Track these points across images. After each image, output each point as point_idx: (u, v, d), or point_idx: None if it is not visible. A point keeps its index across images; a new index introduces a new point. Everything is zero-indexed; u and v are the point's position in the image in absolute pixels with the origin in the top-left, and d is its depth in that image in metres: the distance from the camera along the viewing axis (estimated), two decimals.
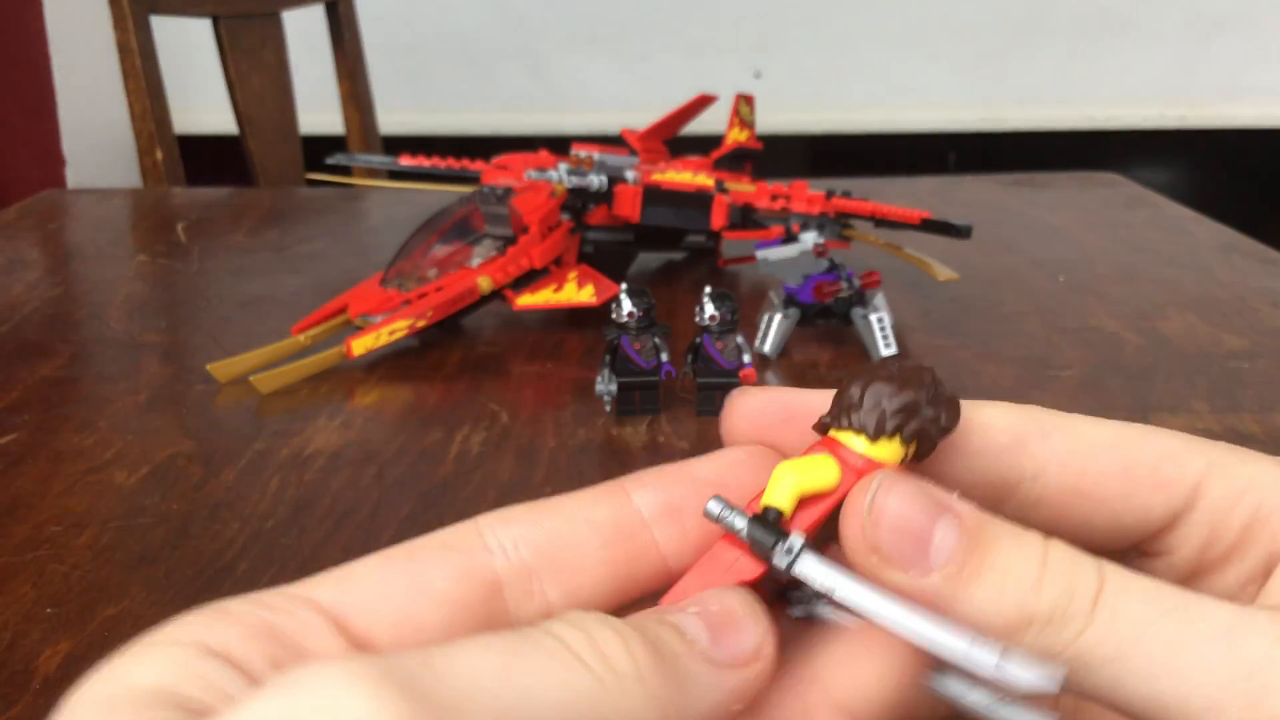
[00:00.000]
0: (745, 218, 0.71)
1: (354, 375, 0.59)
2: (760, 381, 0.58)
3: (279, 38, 1.34)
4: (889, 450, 0.21)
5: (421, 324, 0.60)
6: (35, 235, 0.89)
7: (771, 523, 0.20)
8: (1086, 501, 0.22)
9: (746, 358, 0.53)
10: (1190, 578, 0.22)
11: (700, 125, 0.78)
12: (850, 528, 0.20)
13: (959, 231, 0.67)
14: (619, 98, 2.01)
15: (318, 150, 1.02)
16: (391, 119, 1.56)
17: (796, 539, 0.20)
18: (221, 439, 0.52)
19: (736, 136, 0.76)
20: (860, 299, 0.62)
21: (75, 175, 1.58)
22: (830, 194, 0.71)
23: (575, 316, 0.67)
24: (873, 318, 0.60)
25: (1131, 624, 0.19)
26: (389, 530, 0.44)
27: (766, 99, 0.86)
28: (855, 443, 0.21)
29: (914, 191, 0.96)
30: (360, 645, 0.19)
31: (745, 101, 0.77)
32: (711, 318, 0.52)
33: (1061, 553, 0.20)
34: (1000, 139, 2.04)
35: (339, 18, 1.41)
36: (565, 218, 0.68)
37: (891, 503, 0.20)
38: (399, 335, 0.59)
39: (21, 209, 0.95)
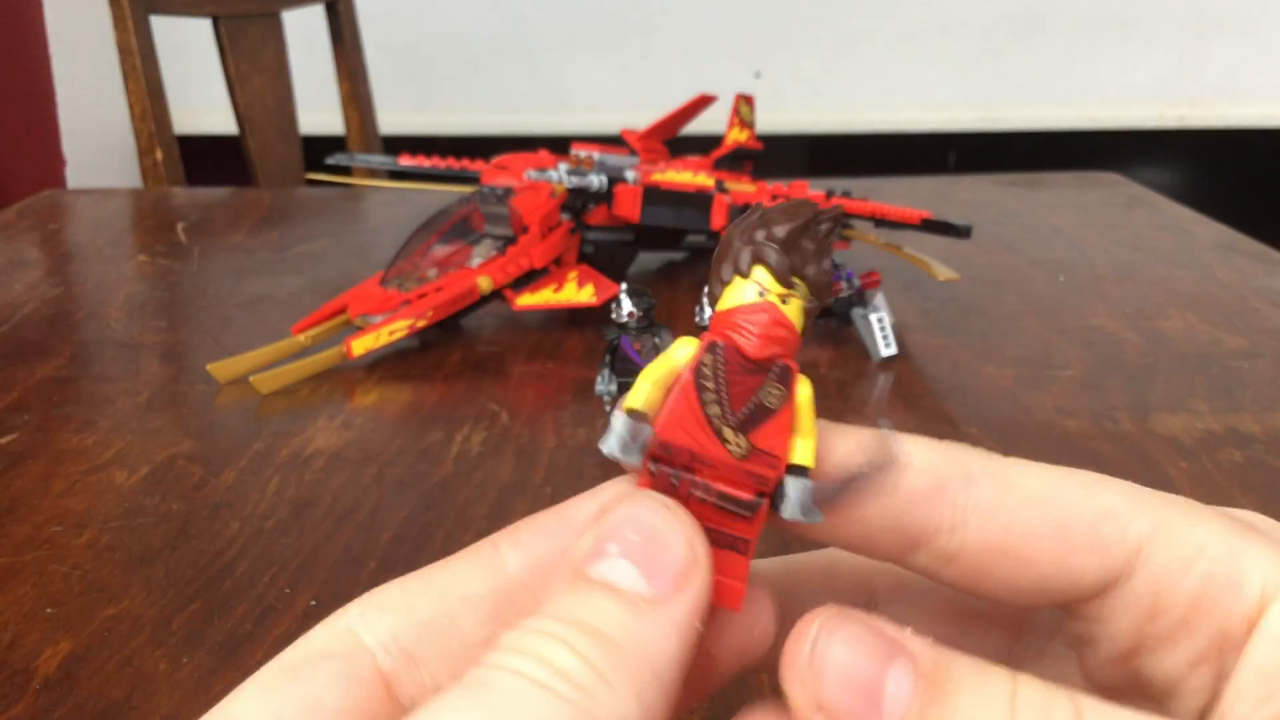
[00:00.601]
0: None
1: (354, 375, 0.59)
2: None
3: (279, 38, 1.34)
4: (772, 286, 0.19)
5: (421, 324, 0.60)
6: (35, 235, 0.89)
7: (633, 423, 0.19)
8: (1010, 561, 0.20)
9: None
10: (1131, 654, 0.20)
11: (700, 125, 0.78)
12: (790, 683, 0.18)
13: (959, 231, 0.67)
14: (619, 98, 2.01)
15: (318, 150, 1.02)
16: (391, 119, 1.56)
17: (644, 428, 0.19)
18: (221, 439, 0.52)
19: (736, 136, 0.76)
20: (860, 299, 0.62)
21: (75, 175, 1.58)
22: (830, 194, 0.71)
23: (575, 316, 0.67)
24: (873, 318, 0.60)
25: None
26: (389, 530, 0.44)
27: (766, 99, 0.86)
28: (739, 295, 0.20)
29: (914, 191, 0.96)
30: None
31: (745, 101, 0.77)
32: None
33: (1032, 692, 0.17)
34: (1000, 139, 2.04)
35: (339, 18, 1.41)
36: (565, 218, 0.68)
37: (835, 651, 0.17)
38: (399, 335, 0.59)
39: (21, 209, 0.95)
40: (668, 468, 0.19)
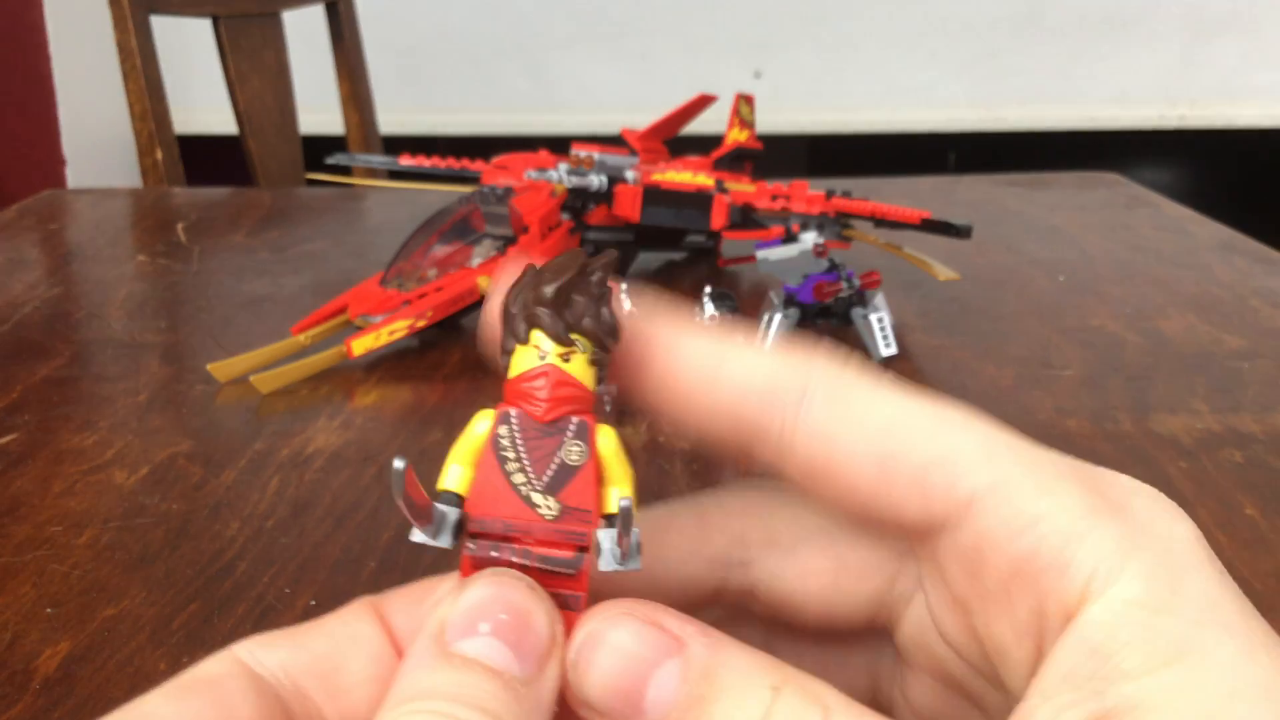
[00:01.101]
0: (745, 218, 0.71)
1: (354, 375, 0.59)
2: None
3: (279, 38, 1.34)
4: (551, 348, 0.20)
5: (421, 324, 0.60)
6: (35, 235, 0.89)
7: (445, 505, 0.20)
8: (832, 482, 0.20)
9: None
10: (963, 605, 0.20)
11: (700, 125, 0.78)
12: (566, 690, 0.19)
13: (959, 231, 0.67)
14: (619, 98, 2.01)
15: (318, 150, 1.02)
16: (391, 119, 1.56)
17: (451, 512, 0.19)
18: (221, 439, 0.52)
19: (736, 136, 0.76)
20: (860, 299, 0.62)
21: (75, 175, 1.58)
22: (830, 194, 0.71)
23: None
24: (873, 318, 0.60)
25: None
26: (389, 530, 0.44)
27: (766, 99, 0.86)
28: (523, 362, 0.20)
29: (914, 191, 0.96)
30: None
31: (745, 101, 0.77)
32: (711, 318, 0.52)
33: (791, 700, 0.17)
34: (1000, 139, 2.04)
35: (339, 18, 1.41)
36: (565, 218, 0.68)
37: (600, 657, 0.18)
38: (399, 335, 0.59)
39: (21, 209, 0.95)
40: (486, 541, 0.20)
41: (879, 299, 0.62)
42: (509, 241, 0.64)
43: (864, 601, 0.22)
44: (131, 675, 0.35)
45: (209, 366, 0.57)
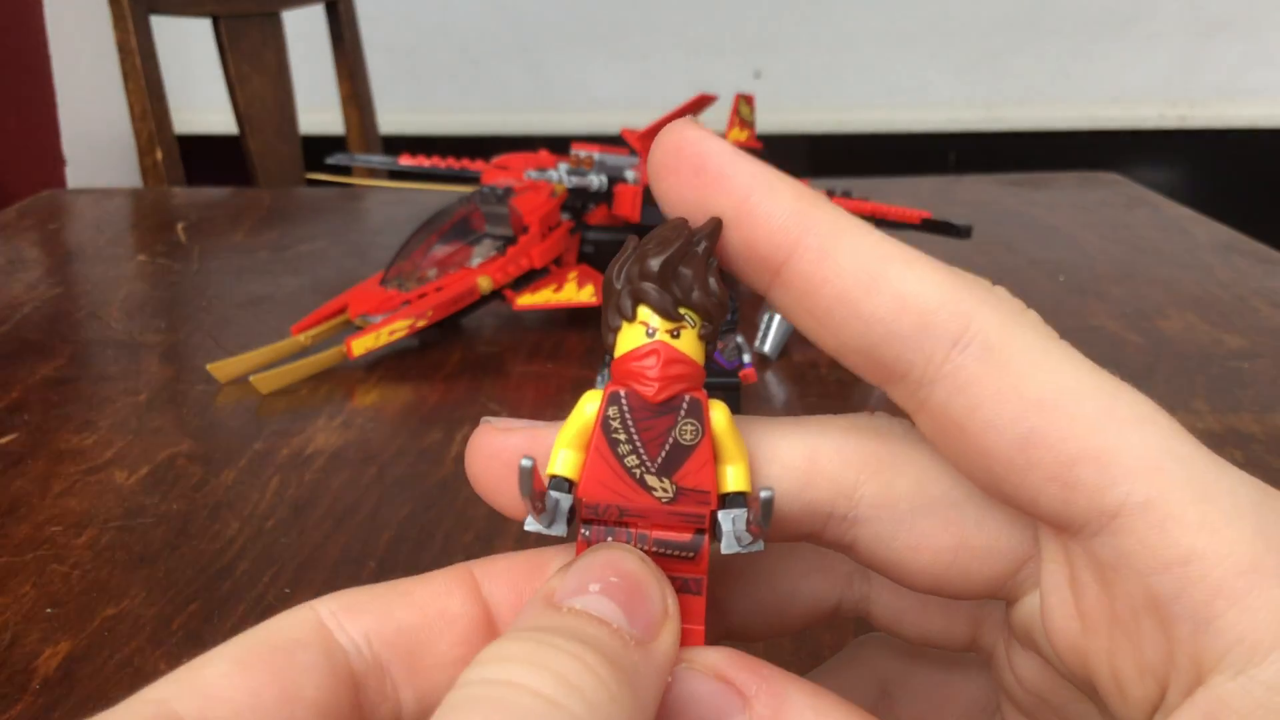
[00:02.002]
0: None
1: (354, 375, 0.59)
2: (760, 383, 0.58)
3: (279, 38, 1.34)
4: (659, 324, 0.19)
5: (421, 324, 0.60)
6: (35, 235, 0.89)
7: (556, 492, 0.19)
8: (965, 448, 0.17)
9: (746, 358, 0.53)
10: (1086, 620, 0.18)
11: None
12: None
13: (959, 231, 0.67)
14: (619, 98, 2.01)
15: (318, 150, 1.02)
16: (391, 119, 1.56)
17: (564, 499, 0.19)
18: (221, 439, 0.52)
19: (736, 136, 0.76)
20: None
21: (75, 175, 1.58)
22: (830, 194, 0.71)
23: (575, 316, 0.67)
24: None
25: None
26: (389, 530, 0.44)
27: (766, 99, 0.86)
28: (630, 340, 0.19)
29: (914, 191, 0.96)
30: None
31: (745, 101, 0.77)
32: None
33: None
34: (1000, 139, 2.04)
35: (339, 18, 1.41)
36: (565, 218, 0.68)
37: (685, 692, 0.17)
38: (399, 335, 0.59)
39: (21, 209, 0.95)
40: (600, 527, 0.19)
41: None
42: (509, 241, 0.64)
43: (981, 583, 0.19)
44: (131, 675, 0.35)
45: (209, 366, 0.57)
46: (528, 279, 0.64)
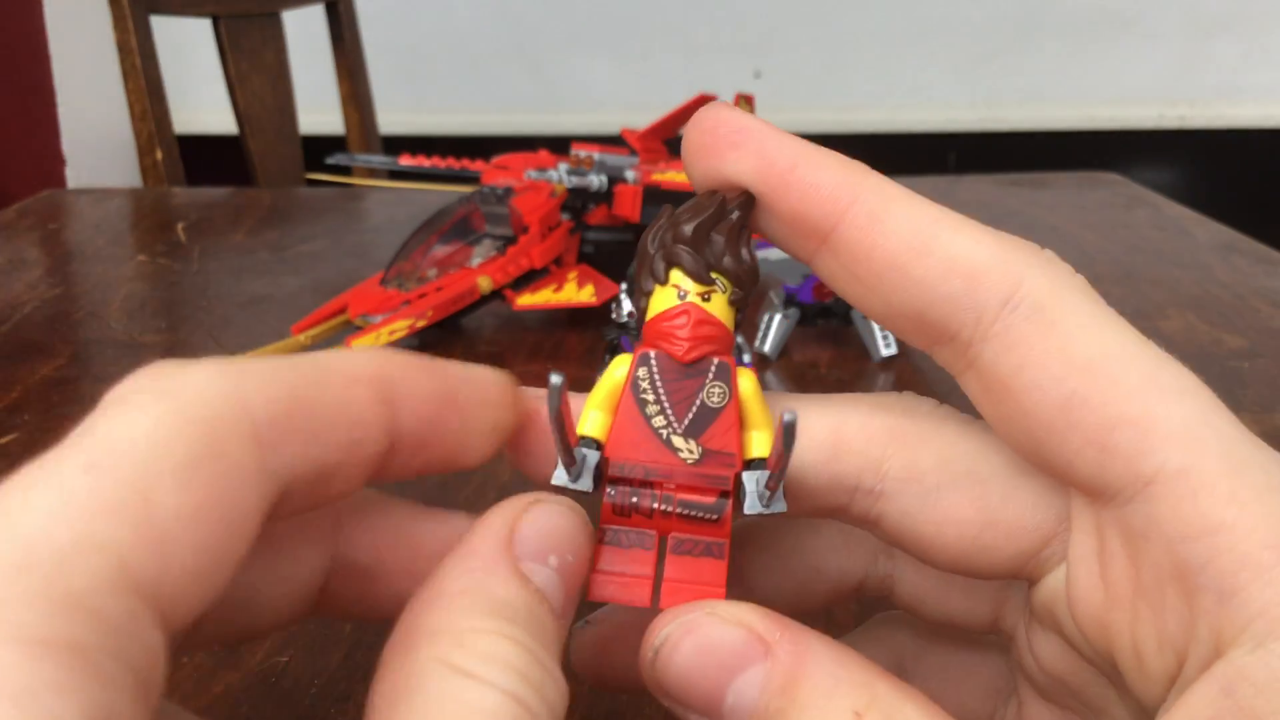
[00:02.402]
0: None
1: None
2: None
3: (279, 38, 1.34)
4: (691, 287, 0.19)
5: (421, 324, 0.60)
6: (35, 235, 0.89)
7: (584, 451, 0.19)
8: (1009, 409, 0.18)
9: (746, 357, 0.53)
10: (1112, 592, 0.18)
11: None
12: (641, 665, 0.18)
13: None
14: (619, 98, 2.01)
15: (318, 150, 1.02)
16: (391, 119, 1.56)
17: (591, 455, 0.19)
18: None
19: None
20: None
21: (75, 175, 1.58)
22: None
23: (575, 316, 0.67)
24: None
25: None
26: None
27: (766, 99, 0.86)
28: (662, 302, 0.19)
29: (914, 191, 0.96)
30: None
31: (745, 101, 0.77)
32: None
33: (885, 706, 0.16)
34: (1000, 139, 2.04)
35: (339, 18, 1.41)
36: (565, 218, 0.68)
37: (682, 654, 0.17)
38: (399, 335, 0.59)
39: (21, 209, 0.95)
40: (626, 487, 0.19)
41: None
42: (509, 241, 0.64)
43: (1005, 561, 0.19)
44: None
45: None
46: (528, 279, 0.64)
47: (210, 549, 0.15)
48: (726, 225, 0.19)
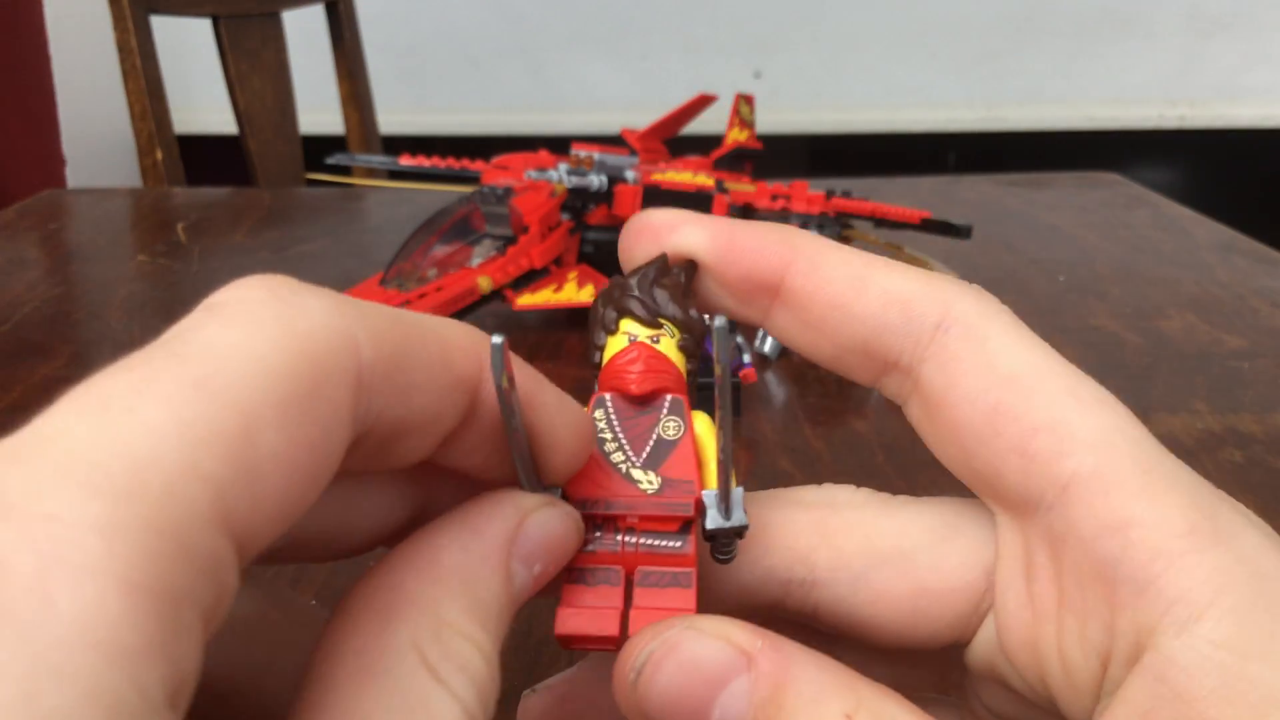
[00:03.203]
0: (745, 218, 0.71)
1: None
2: (760, 383, 0.58)
3: (279, 38, 1.34)
4: (640, 331, 0.20)
5: None
6: (35, 235, 0.89)
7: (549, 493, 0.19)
8: (943, 425, 0.19)
9: (746, 358, 0.53)
10: (1039, 610, 0.18)
11: (700, 125, 0.78)
12: (619, 696, 0.18)
13: (959, 231, 0.67)
14: (619, 98, 2.01)
15: (318, 150, 1.02)
16: (391, 119, 1.56)
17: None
18: None
19: (736, 136, 0.76)
20: None
21: (75, 175, 1.58)
22: (830, 194, 0.71)
23: (575, 316, 0.67)
24: None
25: None
26: None
27: (766, 99, 0.86)
28: (613, 349, 0.20)
29: (914, 191, 0.96)
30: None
31: (745, 101, 0.77)
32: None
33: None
34: (1000, 139, 2.04)
35: (339, 18, 1.41)
36: (565, 218, 0.68)
37: (664, 673, 0.17)
38: None
39: (21, 209, 0.95)
40: (589, 527, 0.19)
41: None
42: (509, 241, 0.64)
43: (943, 627, 0.20)
44: None
45: None
46: (528, 279, 0.64)
47: (293, 492, 0.14)
48: (671, 280, 0.20)
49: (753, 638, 0.17)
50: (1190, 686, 0.16)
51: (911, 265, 0.20)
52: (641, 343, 0.20)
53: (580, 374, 0.59)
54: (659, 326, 0.20)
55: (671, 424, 0.20)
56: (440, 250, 0.65)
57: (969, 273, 0.70)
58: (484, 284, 0.62)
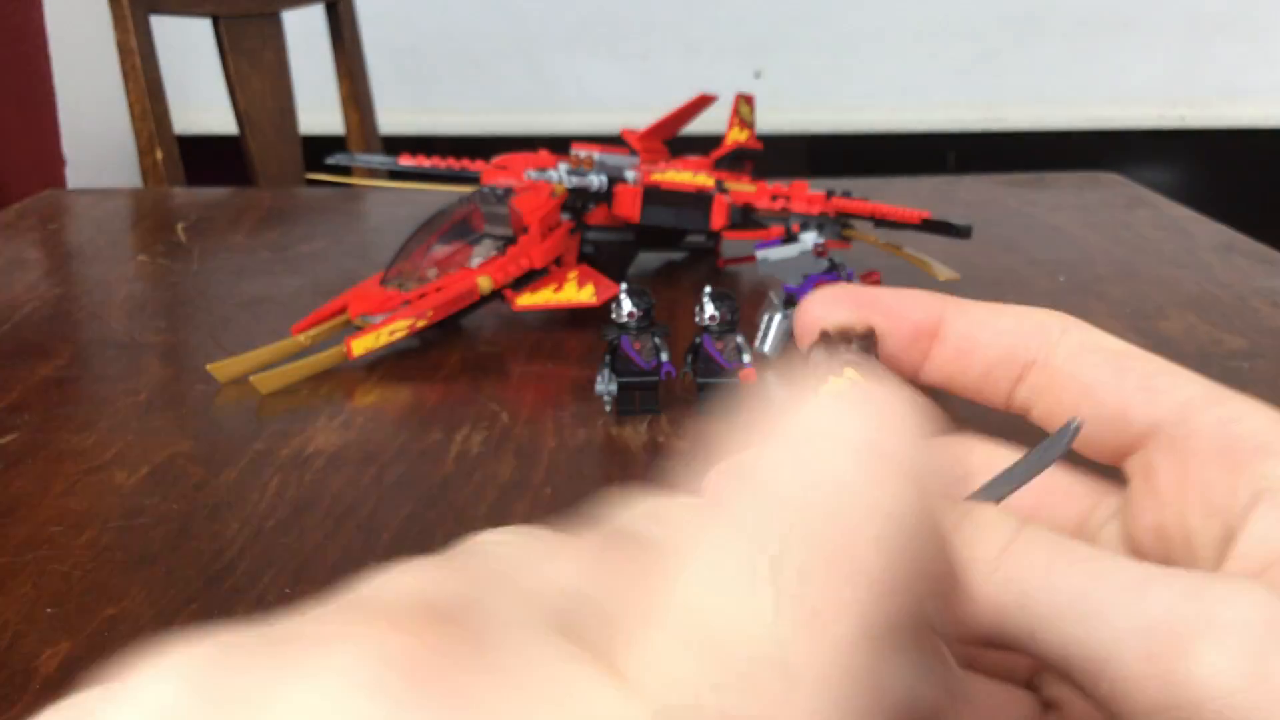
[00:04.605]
0: (745, 218, 0.71)
1: (354, 375, 0.59)
2: (761, 382, 0.58)
3: (279, 38, 1.34)
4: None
5: (421, 324, 0.60)
6: (35, 235, 0.89)
7: None
8: (1076, 388, 0.24)
9: (746, 358, 0.53)
10: (1161, 502, 0.22)
11: (700, 125, 0.78)
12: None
13: (959, 231, 0.67)
14: (619, 98, 2.01)
15: (318, 150, 1.02)
16: (391, 119, 1.56)
17: None
18: (221, 439, 0.52)
19: (736, 136, 0.76)
20: None
21: (75, 175, 1.58)
22: (830, 194, 0.71)
23: (575, 316, 0.67)
24: None
25: (1039, 571, 0.19)
26: (389, 530, 0.44)
27: (766, 99, 0.86)
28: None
29: (914, 191, 0.96)
30: None
31: (745, 101, 0.77)
32: (711, 318, 0.52)
33: (982, 511, 0.20)
34: (1000, 139, 2.04)
35: (339, 18, 1.41)
36: (565, 218, 0.68)
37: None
38: (399, 335, 0.59)
39: (21, 209, 0.95)
40: None
41: None
42: (509, 241, 0.64)
43: (1064, 527, 0.24)
44: None
45: (209, 366, 0.57)
46: (528, 279, 0.64)
47: None
48: (875, 348, 0.25)
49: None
50: None
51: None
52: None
53: (581, 374, 0.59)
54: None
55: None
56: (440, 250, 0.65)
57: (969, 272, 0.70)
58: (484, 284, 0.62)
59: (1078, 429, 0.22)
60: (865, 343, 0.25)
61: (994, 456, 0.25)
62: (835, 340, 0.24)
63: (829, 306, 0.25)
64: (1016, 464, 0.23)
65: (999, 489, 0.23)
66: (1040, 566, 0.19)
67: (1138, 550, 0.23)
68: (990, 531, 0.20)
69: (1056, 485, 0.25)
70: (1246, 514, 0.20)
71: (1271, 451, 0.21)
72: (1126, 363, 0.23)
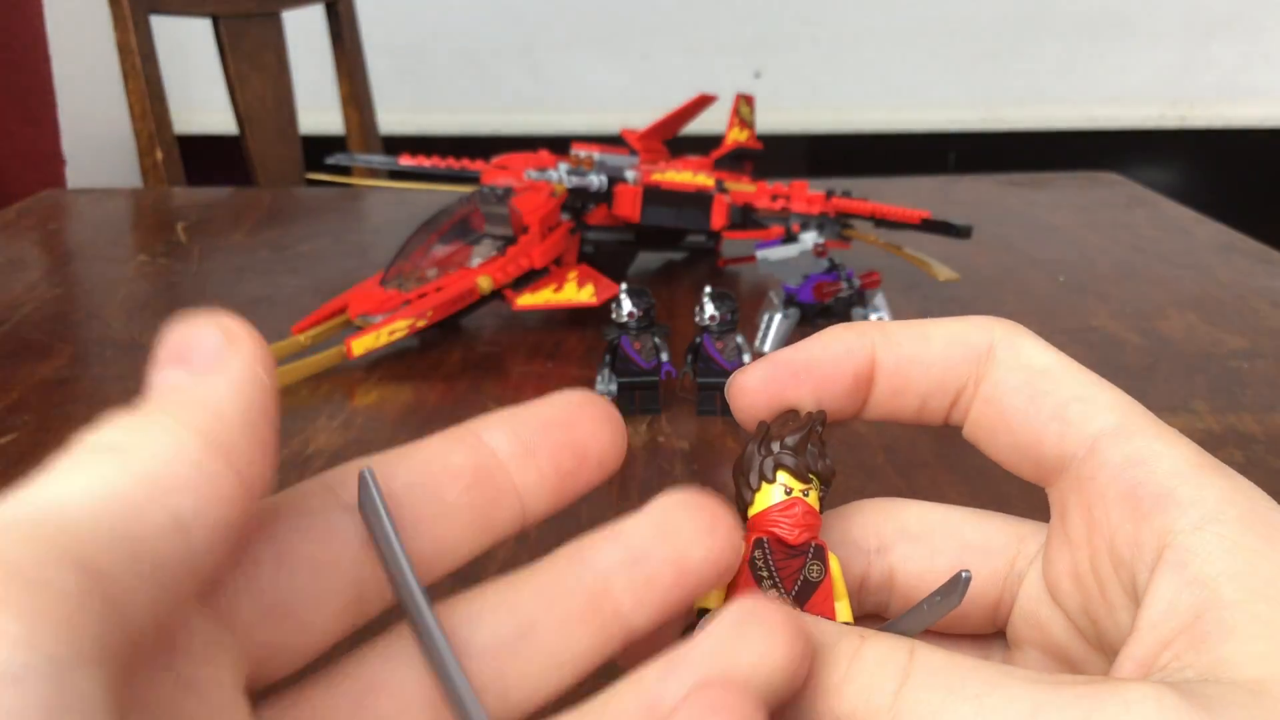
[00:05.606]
0: (745, 218, 0.71)
1: (354, 375, 0.59)
2: None
3: (279, 38, 1.34)
4: (795, 485, 0.24)
5: (421, 324, 0.60)
6: (35, 235, 0.89)
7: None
8: (994, 414, 0.24)
9: (746, 357, 0.53)
10: (1074, 544, 0.22)
11: (700, 125, 0.78)
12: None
13: (959, 231, 0.67)
14: (619, 98, 2.01)
15: (318, 150, 1.02)
16: (391, 119, 1.56)
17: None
18: None
19: (736, 136, 0.76)
20: (860, 299, 0.62)
21: (75, 175, 1.58)
22: (830, 194, 0.71)
23: (575, 316, 0.67)
24: (873, 318, 0.60)
25: (932, 714, 0.19)
26: None
27: (766, 99, 0.86)
28: (768, 499, 0.24)
29: (914, 191, 0.96)
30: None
31: (745, 101, 0.77)
32: (711, 318, 0.52)
33: (873, 648, 0.20)
34: (1000, 139, 2.04)
35: (339, 18, 1.41)
36: (565, 218, 0.68)
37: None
38: (399, 335, 0.59)
39: (21, 209, 0.95)
40: None
41: (879, 299, 0.62)
42: (509, 241, 0.64)
43: (986, 582, 0.25)
44: None
45: None
46: (528, 279, 0.64)
47: None
48: (816, 437, 0.24)
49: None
50: (1206, 570, 0.19)
51: (949, 318, 0.25)
52: (797, 498, 0.24)
53: (581, 374, 0.59)
54: (809, 481, 0.24)
55: (815, 567, 0.24)
56: (440, 250, 0.65)
57: (969, 272, 0.70)
58: (484, 284, 0.62)
59: (967, 581, 0.21)
60: (813, 422, 0.24)
61: (927, 516, 0.25)
62: (772, 435, 0.24)
63: (762, 388, 0.25)
64: (907, 614, 0.23)
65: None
66: (934, 709, 0.19)
67: (1056, 595, 0.23)
68: (879, 676, 0.19)
69: (975, 538, 0.25)
70: (1151, 573, 0.20)
71: (1174, 501, 0.20)
72: (1045, 386, 0.23)
